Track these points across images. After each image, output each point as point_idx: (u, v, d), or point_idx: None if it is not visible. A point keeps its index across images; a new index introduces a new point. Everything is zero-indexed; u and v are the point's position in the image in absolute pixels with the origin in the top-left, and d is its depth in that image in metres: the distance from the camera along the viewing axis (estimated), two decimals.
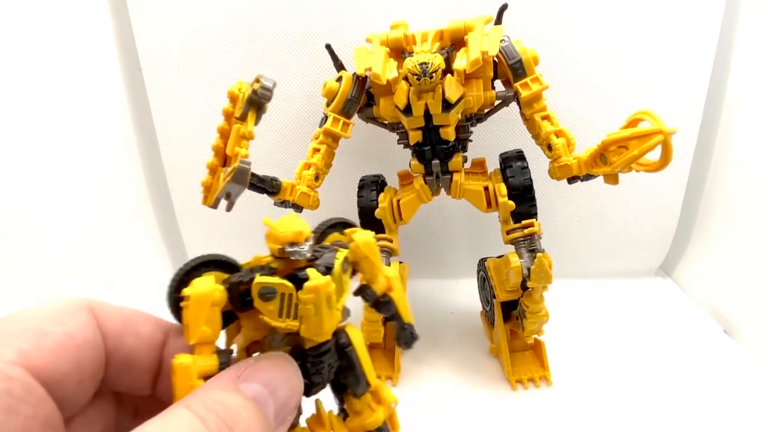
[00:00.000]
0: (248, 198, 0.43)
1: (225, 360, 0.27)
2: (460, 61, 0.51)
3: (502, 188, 0.55)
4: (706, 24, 0.70)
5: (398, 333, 0.34)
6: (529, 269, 0.52)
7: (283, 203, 0.54)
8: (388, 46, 0.54)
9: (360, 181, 0.62)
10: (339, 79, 0.56)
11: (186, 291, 0.26)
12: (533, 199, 0.55)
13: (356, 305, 0.58)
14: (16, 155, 0.64)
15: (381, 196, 0.59)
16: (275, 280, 0.26)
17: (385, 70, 0.52)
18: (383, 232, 0.58)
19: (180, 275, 0.27)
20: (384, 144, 0.75)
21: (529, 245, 0.55)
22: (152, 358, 0.28)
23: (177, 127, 0.79)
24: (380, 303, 0.32)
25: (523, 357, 0.62)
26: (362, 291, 0.32)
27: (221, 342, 0.28)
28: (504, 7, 0.54)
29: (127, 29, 0.76)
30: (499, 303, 0.60)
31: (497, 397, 0.58)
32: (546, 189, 0.61)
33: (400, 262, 0.62)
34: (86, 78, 0.74)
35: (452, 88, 0.50)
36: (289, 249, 0.27)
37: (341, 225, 0.32)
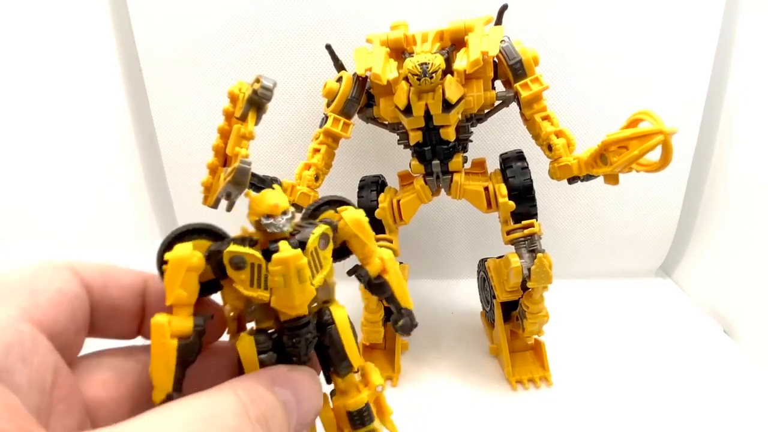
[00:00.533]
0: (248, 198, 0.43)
1: (200, 323, 0.28)
2: (461, 62, 0.51)
3: (502, 188, 0.55)
4: (706, 24, 0.70)
5: (395, 317, 0.33)
6: (529, 269, 0.52)
7: None
8: (388, 47, 0.54)
9: (360, 181, 0.61)
10: (339, 80, 0.56)
11: (167, 255, 0.27)
12: (533, 199, 0.55)
13: (356, 306, 0.58)
14: (16, 155, 0.64)
15: (381, 197, 0.59)
16: (245, 249, 0.27)
17: (386, 70, 0.52)
18: (383, 232, 0.58)
19: (169, 239, 0.29)
20: (384, 144, 0.75)
21: (530, 245, 0.55)
22: (136, 305, 0.30)
23: (177, 127, 0.79)
24: (374, 284, 0.32)
25: (523, 357, 0.62)
26: (355, 271, 0.32)
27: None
28: (504, 8, 0.54)
29: (127, 29, 0.76)
30: (499, 303, 0.60)
31: (497, 397, 0.58)
32: (546, 189, 0.61)
33: (401, 263, 0.62)
34: (86, 78, 0.74)
35: (452, 89, 0.50)
36: (265, 221, 0.27)
37: (336, 203, 0.32)
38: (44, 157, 0.68)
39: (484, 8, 0.56)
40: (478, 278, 0.69)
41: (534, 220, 0.55)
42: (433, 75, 0.48)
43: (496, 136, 0.74)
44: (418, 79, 0.49)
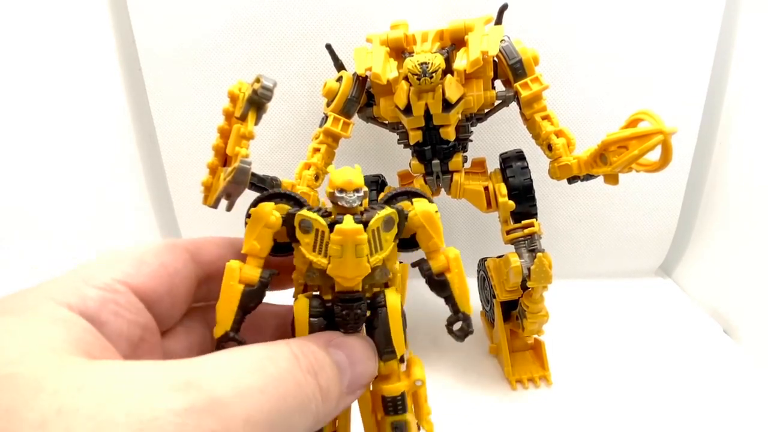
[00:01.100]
0: (248, 198, 0.43)
1: (266, 276, 0.31)
2: (461, 61, 0.51)
3: (502, 188, 0.55)
4: (706, 24, 0.70)
5: (451, 319, 0.34)
6: (529, 269, 0.52)
7: None
8: (388, 46, 0.54)
9: None
10: (339, 79, 0.56)
11: (251, 210, 0.31)
12: (533, 199, 0.55)
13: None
14: (16, 155, 0.64)
15: (381, 197, 0.59)
16: (313, 215, 0.30)
17: (386, 69, 0.52)
18: None
19: (260, 199, 0.32)
20: (384, 144, 0.75)
21: (529, 245, 0.55)
22: None
23: (177, 127, 0.79)
24: (435, 281, 0.33)
25: (523, 357, 0.62)
26: (419, 264, 0.34)
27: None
28: (504, 7, 0.54)
29: (127, 29, 0.76)
30: (499, 303, 0.60)
31: (497, 397, 0.58)
32: (546, 189, 0.61)
33: (400, 262, 0.61)
34: (86, 78, 0.74)
35: (452, 88, 0.50)
36: (338, 194, 0.30)
37: (413, 194, 0.35)
38: (44, 156, 0.68)
39: (484, 8, 0.56)
40: (477, 278, 0.69)
41: (534, 220, 0.55)
42: (433, 75, 0.48)
43: (496, 136, 0.74)
44: (418, 79, 0.49)
